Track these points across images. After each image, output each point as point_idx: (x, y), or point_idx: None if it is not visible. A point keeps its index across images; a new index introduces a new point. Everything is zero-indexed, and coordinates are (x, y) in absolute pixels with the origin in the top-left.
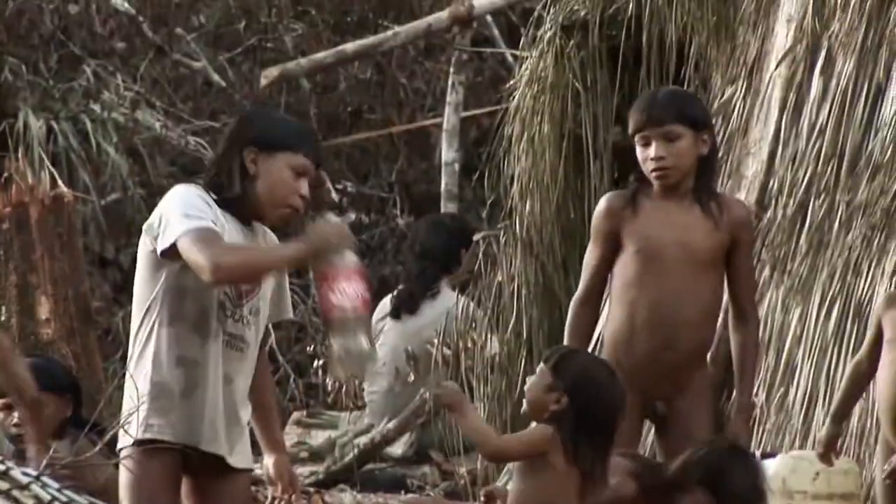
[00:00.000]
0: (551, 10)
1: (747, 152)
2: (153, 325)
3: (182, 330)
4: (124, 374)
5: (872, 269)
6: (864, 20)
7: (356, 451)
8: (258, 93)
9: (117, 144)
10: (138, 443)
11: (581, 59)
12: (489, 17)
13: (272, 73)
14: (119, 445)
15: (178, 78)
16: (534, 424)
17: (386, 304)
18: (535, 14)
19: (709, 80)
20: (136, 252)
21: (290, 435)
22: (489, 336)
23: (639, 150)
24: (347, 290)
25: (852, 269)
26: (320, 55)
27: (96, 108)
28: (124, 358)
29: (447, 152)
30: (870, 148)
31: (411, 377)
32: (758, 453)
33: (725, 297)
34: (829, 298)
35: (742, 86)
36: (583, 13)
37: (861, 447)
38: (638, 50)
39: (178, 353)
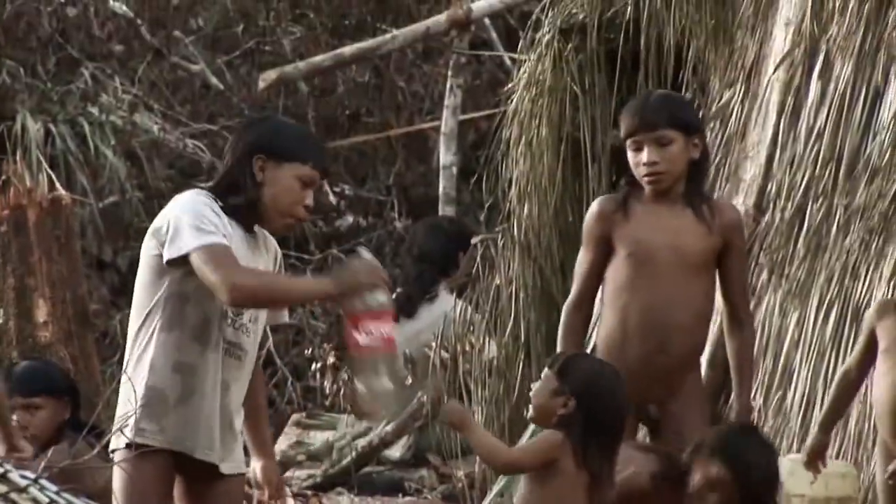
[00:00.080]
0: (549, 14)
1: (745, 156)
2: (153, 330)
3: (182, 336)
4: (122, 378)
5: (870, 272)
6: (862, 24)
7: (354, 454)
8: (256, 96)
9: (115, 147)
10: (130, 446)
11: (579, 62)
12: (487, 21)
13: (270, 76)
14: (113, 447)
15: (176, 81)
16: (532, 426)
17: None
18: (534, 17)
19: (707, 83)
20: (134, 255)
21: (290, 435)
22: (487, 339)
23: (630, 155)
24: (374, 331)
25: (850, 273)
26: (318, 58)
27: (94, 110)
28: (122, 361)
29: (445, 155)
30: (868, 151)
31: (409, 380)
32: None
33: (718, 300)
34: (826, 302)
35: (740, 89)
36: (581, 17)
37: (859, 450)
38: (636, 53)
39: (176, 359)
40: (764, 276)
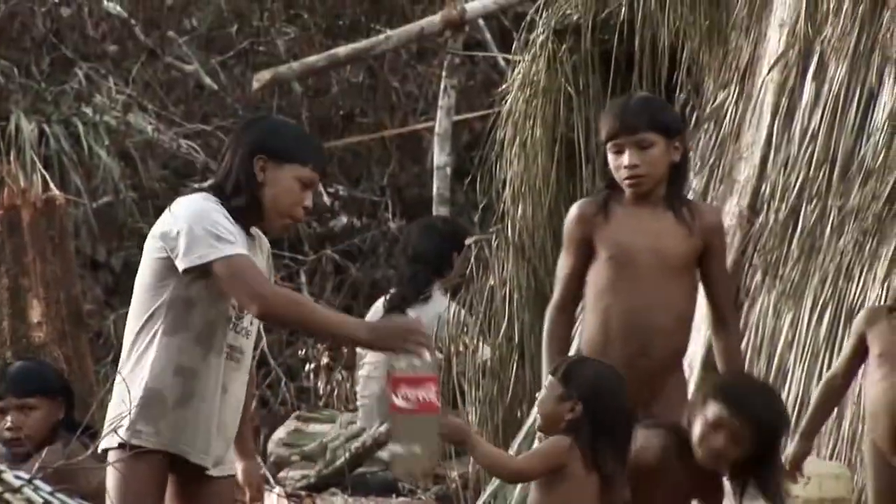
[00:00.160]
0: (544, 15)
1: (739, 157)
2: (155, 333)
3: (185, 340)
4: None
5: (864, 274)
6: (856, 25)
7: (348, 454)
8: (250, 96)
9: (109, 147)
10: (124, 446)
11: (573, 63)
12: (481, 21)
13: (264, 76)
14: (106, 446)
15: (170, 81)
16: (526, 427)
17: (379, 307)
18: (528, 18)
19: (701, 84)
20: (128, 255)
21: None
22: (481, 341)
23: (611, 158)
24: (409, 396)
25: (844, 274)
26: (312, 59)
27: (88, 111)
28: (116, 361)
29: (439, 156)
30: (862, 153)
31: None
32: None
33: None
34: (820, 303)
35: (734, 90)
36: (575, 17)
37: (853, 452)
38: (630, 54)
39: (178, 363)
40: (758, 277)
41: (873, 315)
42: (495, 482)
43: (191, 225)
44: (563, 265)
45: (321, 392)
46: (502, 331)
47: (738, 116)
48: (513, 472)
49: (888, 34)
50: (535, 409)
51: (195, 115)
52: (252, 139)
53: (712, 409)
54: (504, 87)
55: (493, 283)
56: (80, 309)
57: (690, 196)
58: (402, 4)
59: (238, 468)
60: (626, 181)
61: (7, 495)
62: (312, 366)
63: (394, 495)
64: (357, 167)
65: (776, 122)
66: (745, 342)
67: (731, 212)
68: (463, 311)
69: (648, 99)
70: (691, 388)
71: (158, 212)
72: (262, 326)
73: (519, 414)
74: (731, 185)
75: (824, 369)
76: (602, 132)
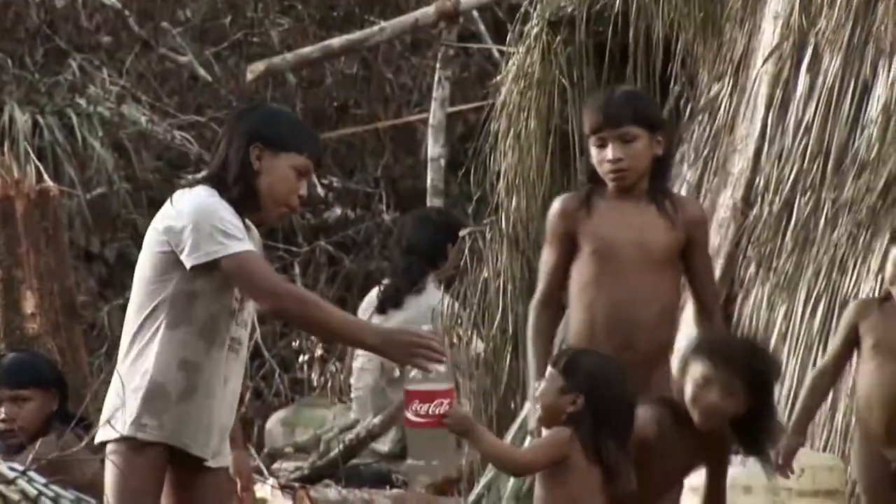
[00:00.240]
0: (538, 6)
1: (733, 149)
2: (158, 327)
3: (188, 334)
4: (111, 370)
5: (858, 266)
6: (850, 17)
7: (341, 446)
8: (244, 87)
9: (103, 139)
10: (126, 439)
11: (568, 55)
12: (476, 13)
13: (258, 67)
14: (103, 438)
15: (163, 72)
16: (520, 418)
17: (373, 298)
18: (522, 10)
19: (695, 76)
20: (122, 246)
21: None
22: (474, 333)
23: (594, 151)
24: (421, 411)
25: (838, 267)
26: (306, 50)
27: (82, 102)
28: (110, 352)
29: (433, 148)
30: (856, 145)
31: (396, 373)
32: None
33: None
34: (814, 296)
35: (728, 83)
36: (569, 9)
37: (846, 444)
38: (625, 46)
39: (181, 357)
40: (752, 269)
41: (864, 307)
42: (489, 474)
43: (197, 221)
44: (547, 260)
45: (315, 383)
46: (496, 323)
47: (732, 108)
48: (518, 465)
49: (882, 27)
50: (527, 402)
51: (189, 107)
52: (248, 128)
53: (698, 368)
54: (498, 78)
55: (486, 274)
56: (73, 300)
57: (684, 188)
58: None
59: (228, 458)
60: (610, 175)
61: (1, 487)
62: (306, 357)
63: (387, 487)
64: (351, 159)
65: (770, 114)
66: (739, 334)
67: (725, 204)
68: (457, 303)
69: (632, 92)
70: None
71: (152, 203)
72: (255, 317)
73: (513, 406)
74: (725, 177)
75: (818, 361)
76: (585, 125)
